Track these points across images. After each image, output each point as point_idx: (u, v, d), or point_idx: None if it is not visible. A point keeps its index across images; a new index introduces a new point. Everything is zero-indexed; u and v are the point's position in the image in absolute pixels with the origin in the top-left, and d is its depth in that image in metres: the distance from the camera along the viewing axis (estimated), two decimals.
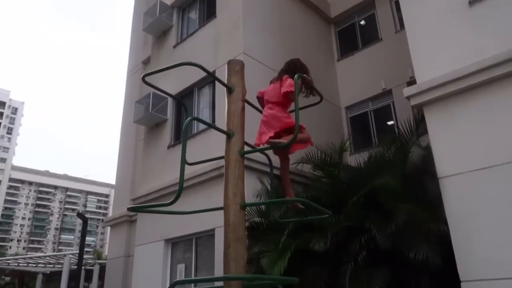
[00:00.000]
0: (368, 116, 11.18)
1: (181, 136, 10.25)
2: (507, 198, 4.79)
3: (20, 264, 17.78)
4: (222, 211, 2.82)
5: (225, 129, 3.11)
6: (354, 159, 7.71)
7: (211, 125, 3.28)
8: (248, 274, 3.28)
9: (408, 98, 5.99)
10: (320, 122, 10.04)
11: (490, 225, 4.85)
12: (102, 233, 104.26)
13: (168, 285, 8.72)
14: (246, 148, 3.19)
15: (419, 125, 6.61)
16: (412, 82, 8.13)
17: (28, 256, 19.16)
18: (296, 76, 3.18)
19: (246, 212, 3.27)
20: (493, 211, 4.87)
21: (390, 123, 10.81)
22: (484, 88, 5.31)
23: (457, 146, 5.36)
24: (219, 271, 7.04)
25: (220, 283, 2.57)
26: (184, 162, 2.37)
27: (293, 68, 3.42)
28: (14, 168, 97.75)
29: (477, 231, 4.91)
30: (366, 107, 11.32)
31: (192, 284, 6.36)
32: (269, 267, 5.70)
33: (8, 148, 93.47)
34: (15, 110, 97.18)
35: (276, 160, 3.67)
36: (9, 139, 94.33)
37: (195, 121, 9.90)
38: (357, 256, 5.46)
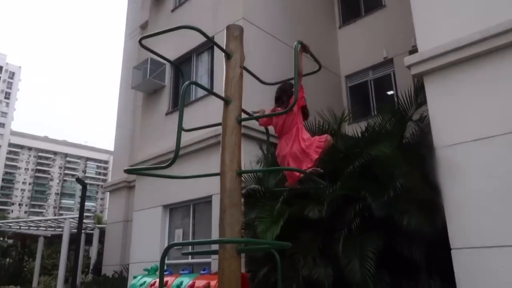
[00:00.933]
0: (368, 85, 11.08)
1: (179, 103, 10.17)
2: (502, 169, 4.83)
3: (21, 227, 18.11)
4: (219, 178, 2.83)
5: (223, 96, 3.09)
6: (352, 129, 7.69)
7: (209, 90, 3.26)
8: (243, 238, 3.35)
9: (409, 67, 5.92)
10: (319, 90, 9.95)
11: (482, 195, 4.91)
12: (101, 199, 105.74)
13: None
14: (244, 116, 3.18)
15: (419, 95, 6.56)
16: (414, 51, 7.99)
17: (29, 219, 19.48)
18: (296, 43, 3.14)
19: (243, 179, 3.29)
20: (487, 182, 4.92)
21: (390, 93, 10.72)
22: (487, 57, 5.23)
23: (455, 116, 5.34)
24: (216, 237, 7.18)
25: (217, 246, 2.62)
26: (181, 124, 2.35)
27: (285, 92, 3.44)
28: (13, 133, 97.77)
29: (469, 201, 4.99)
30: (366, 76, 11.19)
31: (190, 248, 6.52)
32: (263, 233, 5.80)
33: (6, 113, 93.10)
34: (12, 75, 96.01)
35: (271, 128, 3.68)
36: (7, 104, 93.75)
37: (193, 88, 9.81)
38: (351, 224, 5.56)
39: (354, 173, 6.07)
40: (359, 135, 6.95)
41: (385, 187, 5.45)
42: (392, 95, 10.50)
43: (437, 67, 5.58)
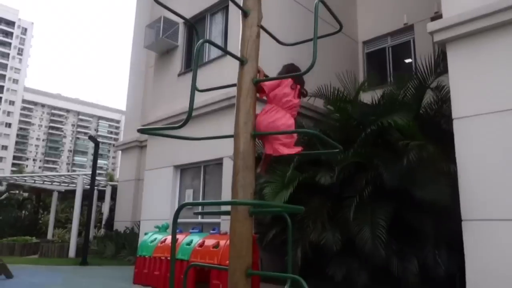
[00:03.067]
0: (386, 52, 10.75)
1: (191, 64, 10.02)
2: None
3: (36, 182, 18.56)
4: (231, 141, 2.79)
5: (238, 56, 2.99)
6: (368, 96, 7.53)
7: (224, 50, 3.14)
8: (256, 200, 3.35)
9: (432, 33, 5.68)
10: (334, 56, 9.71)
11: (497, 168, 4.83)
12: (113, 157, 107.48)
13: (176, 208, 9.12)
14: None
15: (440, 64, 6.35)
16: (436, 17, 7.66)
17: (44, 174, 19.92)
18: (316, 1, 2.99)
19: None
20: (503, 155, 4.81)
21: (408, 61, 10.41)
22: None
23: (476, 87, 5.16)
24: (226, 198, 7.26)
25: (228, 208, 2.62)
26: (194, 83, 2.29)
27: (299, 79, 3.05)
28: (27, 89, 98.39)
29: (483, 173, 4.91)
30: (384, 43, 10.84)
31: (200, 208, 6.61)
32: (272, 197, 5.82)
33: (19, 70, 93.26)
34: (24, 31, 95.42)
35: None
36: (20, 60, 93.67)
37: (207, 49, 9.63)
38: (363, 191, 5.54)
39: (367, 141, 6.00)
40: (375, 102, 6.81)
41: (398, 157, 5.38)
42: (410, 63, 10.20)
43: (461, 34, 5.34)
